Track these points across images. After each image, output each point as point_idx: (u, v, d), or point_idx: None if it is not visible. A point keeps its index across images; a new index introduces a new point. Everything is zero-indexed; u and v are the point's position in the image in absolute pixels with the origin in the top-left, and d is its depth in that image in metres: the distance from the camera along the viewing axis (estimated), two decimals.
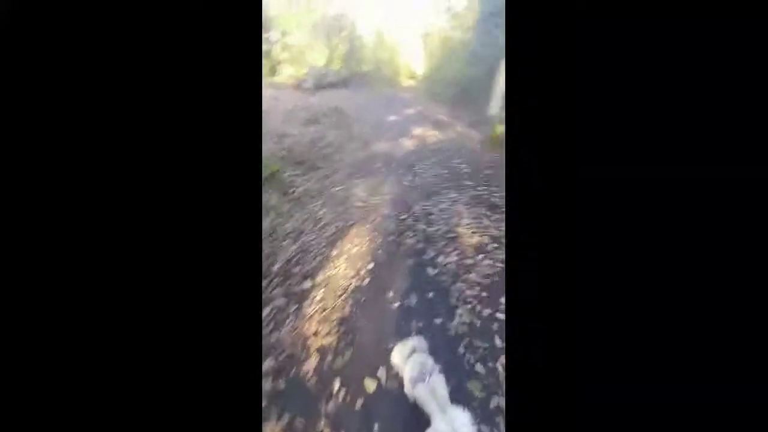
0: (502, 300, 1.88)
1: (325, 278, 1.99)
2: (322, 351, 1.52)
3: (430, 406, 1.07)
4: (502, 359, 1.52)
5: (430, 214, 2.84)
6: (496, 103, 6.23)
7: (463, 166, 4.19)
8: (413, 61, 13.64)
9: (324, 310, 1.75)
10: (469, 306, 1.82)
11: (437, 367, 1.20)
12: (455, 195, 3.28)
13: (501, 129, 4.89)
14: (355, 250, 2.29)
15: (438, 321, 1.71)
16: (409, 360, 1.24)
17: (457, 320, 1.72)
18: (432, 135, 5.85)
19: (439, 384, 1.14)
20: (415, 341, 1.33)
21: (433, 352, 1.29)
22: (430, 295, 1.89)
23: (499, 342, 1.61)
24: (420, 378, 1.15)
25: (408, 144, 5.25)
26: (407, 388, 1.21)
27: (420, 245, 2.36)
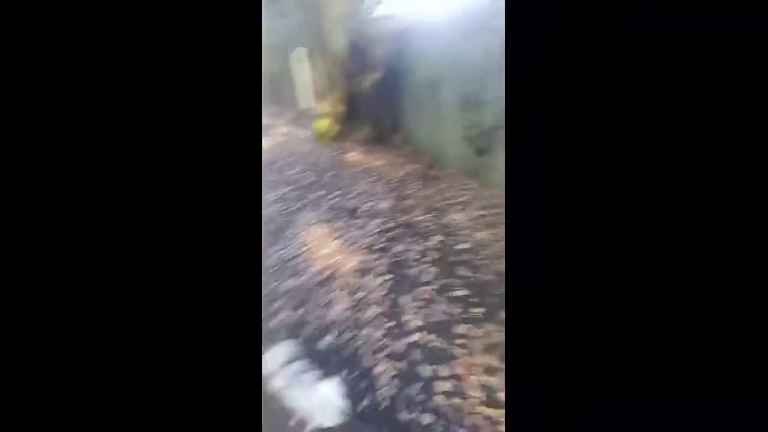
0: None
1: None
2: None
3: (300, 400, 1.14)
4: None
5: (286, 259, 2.41)
6: (305, 97, 6.00)
7: (307, 173, 3.86)
8: None
9: None
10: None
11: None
12: (311, 214, 2.96)
13: (323, 124, 4.74)
14: None
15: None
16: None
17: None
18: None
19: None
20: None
21: None
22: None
23: None
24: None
25: None
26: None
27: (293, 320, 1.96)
